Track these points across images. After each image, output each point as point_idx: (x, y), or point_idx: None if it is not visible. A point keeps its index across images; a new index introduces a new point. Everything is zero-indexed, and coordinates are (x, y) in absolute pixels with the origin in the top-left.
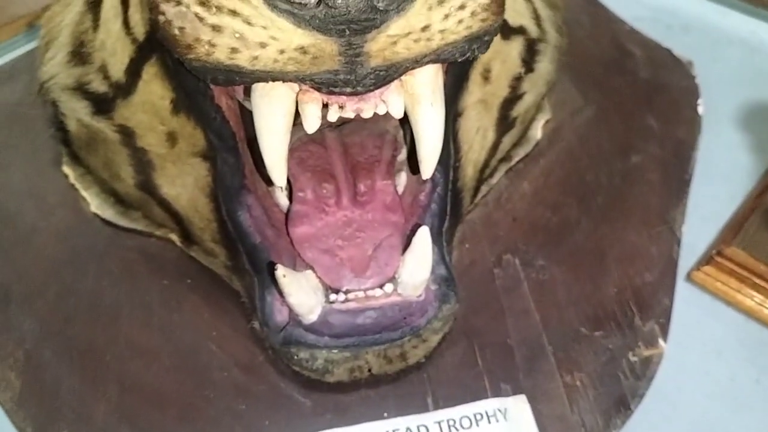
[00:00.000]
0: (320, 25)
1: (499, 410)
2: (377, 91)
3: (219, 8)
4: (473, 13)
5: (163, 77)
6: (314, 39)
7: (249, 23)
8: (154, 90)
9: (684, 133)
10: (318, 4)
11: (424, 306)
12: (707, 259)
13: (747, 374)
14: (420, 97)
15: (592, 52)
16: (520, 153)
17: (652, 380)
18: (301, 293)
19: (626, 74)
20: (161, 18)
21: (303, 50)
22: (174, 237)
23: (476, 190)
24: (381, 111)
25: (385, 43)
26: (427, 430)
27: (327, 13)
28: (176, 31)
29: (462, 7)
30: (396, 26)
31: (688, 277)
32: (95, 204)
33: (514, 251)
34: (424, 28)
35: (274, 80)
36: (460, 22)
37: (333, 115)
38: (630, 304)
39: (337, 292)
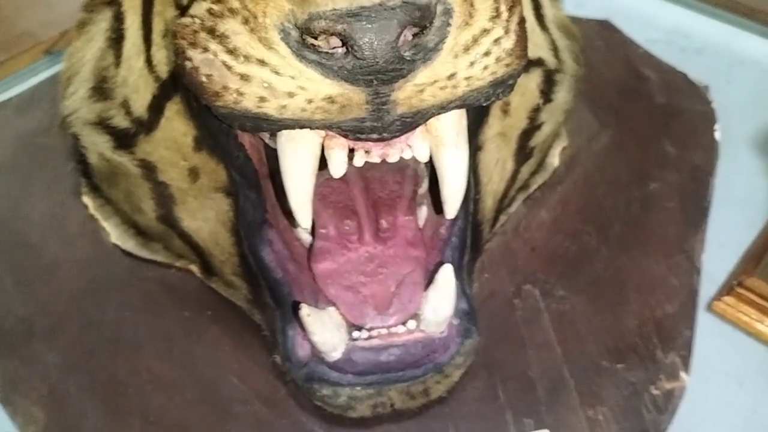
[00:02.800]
0: (348, 76)
1: None
2: (403, 137)
3: (247, 58)
4: (498, 59)
5: (186, 115)
6: (342, 89)
7: (277, 73)
8: (176, 127)
9: (701, 159)
10: (346, 55)
11: (446, 342)
12: (728, 290)
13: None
14: (444, 140)
15: (608, 78)
16: (538, 181)
17: (674, 414)
18: (324, 331)
19: (642, 99)
20: (188, 64)
21: (331, 100)
22: (194, 268)
23: (495, 220)
24: (407, 155)
25: (412, 91)
26: None
27: (355, 64)
28: (203, 78)
29: (487, 53)
30: (422, 75)
31: (709, 308)
32: (115, 235)
33: (534, 281)
34: (450, 76)
35: (301, 128)
36: (485, 68)
37: (359, 161)
38: (651, 336)
39: (360, 329)
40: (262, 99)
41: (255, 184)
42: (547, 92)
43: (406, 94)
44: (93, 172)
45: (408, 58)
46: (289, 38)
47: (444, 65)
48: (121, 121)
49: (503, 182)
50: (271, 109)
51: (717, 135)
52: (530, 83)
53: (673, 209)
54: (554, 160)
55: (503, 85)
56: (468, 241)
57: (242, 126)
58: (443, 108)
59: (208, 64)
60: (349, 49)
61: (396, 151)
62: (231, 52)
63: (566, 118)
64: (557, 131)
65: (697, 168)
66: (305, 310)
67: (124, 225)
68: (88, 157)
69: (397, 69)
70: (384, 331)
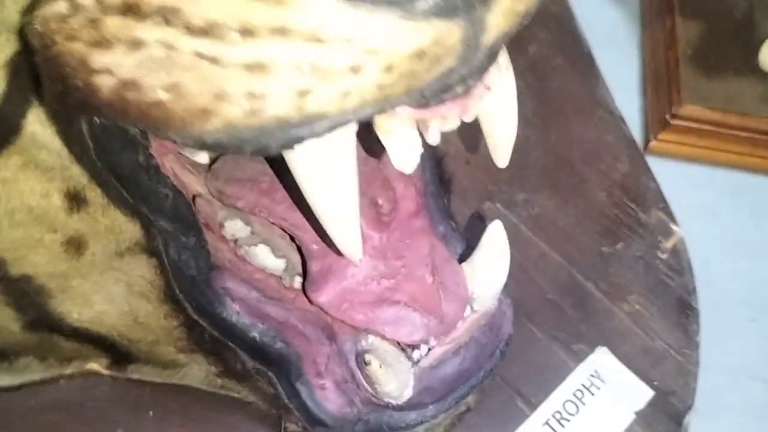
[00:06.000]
0: (442, 7)
1: (592, 375)
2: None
3: (248, 32)
4: None
5: (42, 166)
6: (435, 31)
7: (320, 40)
8: (26, 189)
9: (557, 7)
10: None
11: (502, 308)
12: (662, 126)
13: (745, 222)
14: (500, 63)
15: None
16: None
17: (691, 270)
18: (392, 375)
19: None
20: (103, 82)
21: (420, 55)
22: (95, 366)
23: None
24: (487, 104)
25: (510, 2)
26: None
27: None
28: (161, 95)
29: None
30: None
31: (647, 150)
32: None
33: (490, 197)
34: None
35: (370, 116)
36: None
37: (436, 135)
38: (625, 202)
39: (417, 346)
40: (304, 93)
41: (193, 224)
42: None
43: (502, 10)
44: None
45: None
46: None
47: None
48: None
49: None
50: (322, 104)
51: None
52: None
53: (563, 67)
54: None
55: None
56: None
57: (258, 150)
58: (527, 16)
59: (162, 66)
60: None
61: (475, 101)
62: (205, 32)
63: None
64: None
65: (558, 17)
66: (374, 364)
67: None
68: None
69: None
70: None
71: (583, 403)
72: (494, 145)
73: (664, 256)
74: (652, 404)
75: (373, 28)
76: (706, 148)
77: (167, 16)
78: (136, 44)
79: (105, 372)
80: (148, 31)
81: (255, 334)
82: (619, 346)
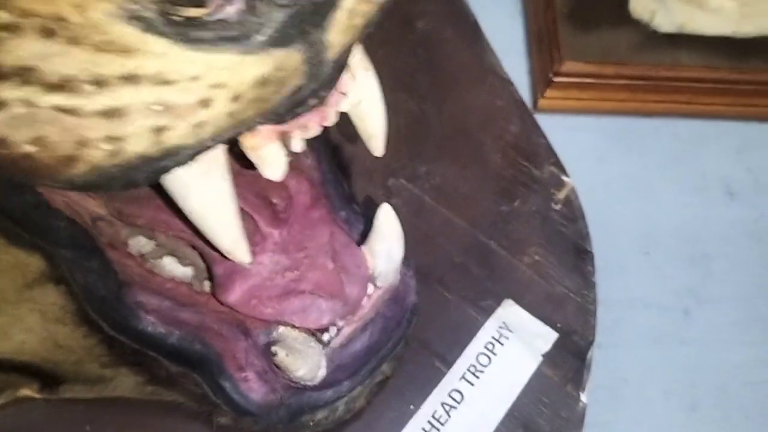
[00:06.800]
0: (278, 38)
1: (500, 327)
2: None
3: (100, 83)
4: None
5: None
6: (274, 60)
7: (168, 83)
8: None
9: None
10: (249, 10)
11: (405, 280)
12: (546, 84)
13: (634, 164)
14: (353, 66)
15: None
16: None
17: (583, 215)
18: (303, 360)
19: None
20: None
21: (263, 82)
22: (26, 392)
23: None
24: (345, 107)
25: (345, 20)
26: (460, 393)
27: (280, 18)
28: (28, 149)
29: None
30: None
31: (536, 108)
32: None
33: (394, 173)
34: None
35: (228, 140)
36: None
37: (298, 144)
38: (519, 161)
39: (326, 329)
40: (160, 130)
41: (93, 248)
42: None
43: (340, 28)
44: None
45: None
46: (153, 24)
47: None
48: None
49: None
50: (180, 137)
51: None
52: None
53: (451, 37)
54: None
55: None
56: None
57: (127, 184)
58: (369, 27)
59: (24, 123)
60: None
61: (333, 108)
62: (61, 87)
63: None
64: None
65: None
66: (281, 353)
67: None
68: None
69: (328, 0)
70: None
71: (495, 354)
72: (367, 138)
73: (558, 207)
74: (556, 345)
75: (215, 66)
76: (589, 100)
77: (24, 76)
78: (25, 102)
79: (38, 396)
80: (8, 91)
81: (173, 341)
82: (523, 296)
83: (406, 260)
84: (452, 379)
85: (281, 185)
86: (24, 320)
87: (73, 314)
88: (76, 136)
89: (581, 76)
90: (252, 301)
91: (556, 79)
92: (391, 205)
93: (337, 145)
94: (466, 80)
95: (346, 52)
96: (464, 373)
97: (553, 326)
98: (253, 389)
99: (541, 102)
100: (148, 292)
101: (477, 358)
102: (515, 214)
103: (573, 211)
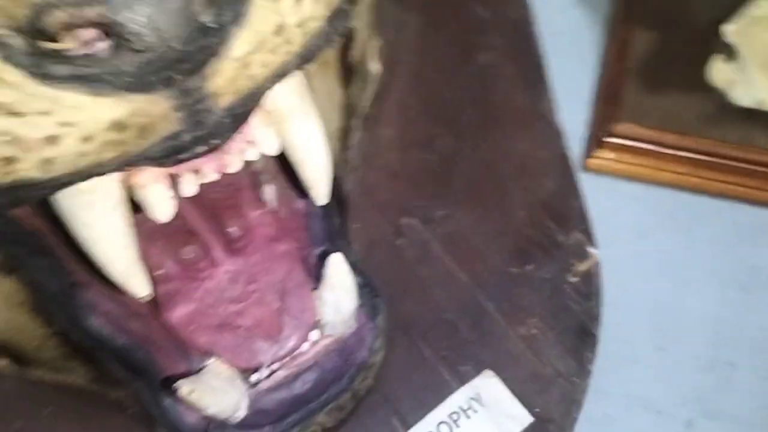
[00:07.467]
0: (133, 83)
1: (472, 398)
2: (238, 135)
3: None
4: None
5: None
6: (131, 105)
7: (16, 114)
8: None
9: (515, 12)
10: (117, 50)
11: (360, 334)
12: (597, 142)
13: (677, 243)
14: (289, 113)
15: None
16: (369, 96)
17: (600, 295)
18: (218, 398)
19: None
20: None
21: (120, 126)
22: (4, 364)
23: (345, 162)
24: (252, 156)
25: (234, 70)
26: None
27: (137, 62)
28: None
29: None
30: (241, 43)
31: (585, 168)
32: None
33: (409, 212)
34: (278, 30)
35: (87, 179)
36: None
37: (190, 188)
38: (545, 222)
39: (257, 369)
40: (9, 160)
41: (38, 248)
42: None
43: (226, 77)
44: None
45: (213, 25)
46: (13, 53)
47: (264, 19)
48: None
49: (338, 115)
50: (28, 170)
51: None
52: None
53: (511, 76)
54: (375, 66)
55: (341, 14)
56: (333, 201)
57: None
58: (280, 76)
59: None
60: (119, 40)
61: (235, 156)
62: None
63: (372, 16)
64: (369, 33)
65: (516, 22)
66: (185, 389)
67: None
68: None
69: (202, 48)
70: (287, 358)
71: (458, 426)
72: (308, 186)
73: (574, 279)
74: (527, 431)
75: (65, 104)
76: (642, 167)
77: None
78: None
79: (10, 369)
80: None
81: (119, 345)
82: (508, 369)
83: (376, 308)
84: None
85: (239, 214)
86: None
87: (30, 303)
88: None
89: (638, 140)
90: (190, 327)
91: (610, 140)
92: (396, 245)
93: (338, 177)
94: (512, 123)
95: (248, 101)
96: None
97: (531, 410)
98: (186, 413)
99: (590, 161)
100: (100, 296)
101: (438, 426)
102: (525, 278)
103: (589, 288)
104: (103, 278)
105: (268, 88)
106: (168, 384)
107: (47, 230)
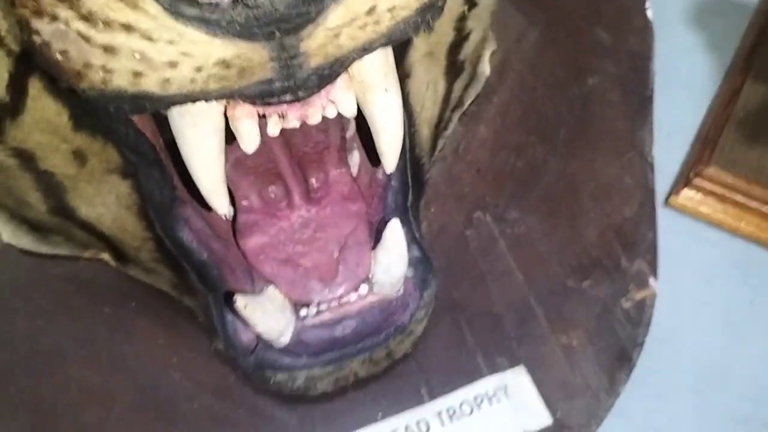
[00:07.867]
0: (241, 32)
1: (500, 388)
2: (323, 92)
3: (108, 24)
4: None
5: (54, 92)
6: (237, 49)
7: (150, 39)
8: (46, 106)
9: (636, 43)
10: (235, 4)
11: (404, 300)
12: (685, 181)
13: (741, 297)
14: (372, 85)
15: None
16: (472, 94)
17: (649, 325)
18: (267, 319)
19: None
20: (36, 39)
21: (225, 64)
22: (106, 257)
23: (433, 148)
24: (331, 113)
25: (326, 37)
26: (428, 424)
27: (248, 15)
28: (58, 56)
29: None
30: (336, 15)
31: (667, 203)
32: (7, 233)
33: (484, 207)
34: (370, 11)
35: (195, 101)
36: None
37: (274, 129)
38: (614, 245)
39: (307, 305)
40: (138, 74)
41: (155, 161)
42: None
43: (318, 42)
44: None
45: None
46: None
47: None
48: None
49: (437, 106)
50: (151, 85)
51: (649, 14)
52: None
53: (616, 103)
54: (485, 68)
55: (432, 9)
56: (409, 179)
57: (120, 108)
58: (366, 50)
59: (61, 37)
60: None
61: (316, 109)
62: (86, 18)
63: (493, 21)
64: (485, 37)
65: (635, 53)
66: (240, 302)
67: (14, 220)
68: None
69: (302, 13)
70: (334, 303)
71: (480, 409)
72: (380, 153)
73: (627, 305)
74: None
75: (188, 38)
76: (723, 214)
77: (71, 3)
78: (53, 18)
79: (113, 264)
80: (61, 10)
81: (200, 259)
82: (540, 371)
83: (426, 283)
84: (428, 410)
85: (323, 170)
86: (104, 197)
87: (138, 206)
88: (84, 58)
89: (724, 187)
90: (260, 256)
91: (698, 181)
92: (465, 235)
93: (420, 160)
94: (606, 147)
95: (334, 66)
96: (442, 411)
97: (553, 412)
98: (242, 330)
99: (673, 198)
100: (194, 214)
101: (461, 404)
102: (579, 293)
103: (640, 317)
104: (199, 199)
105: (354, 58)
106: (233, 303)
107: (163, 148)
